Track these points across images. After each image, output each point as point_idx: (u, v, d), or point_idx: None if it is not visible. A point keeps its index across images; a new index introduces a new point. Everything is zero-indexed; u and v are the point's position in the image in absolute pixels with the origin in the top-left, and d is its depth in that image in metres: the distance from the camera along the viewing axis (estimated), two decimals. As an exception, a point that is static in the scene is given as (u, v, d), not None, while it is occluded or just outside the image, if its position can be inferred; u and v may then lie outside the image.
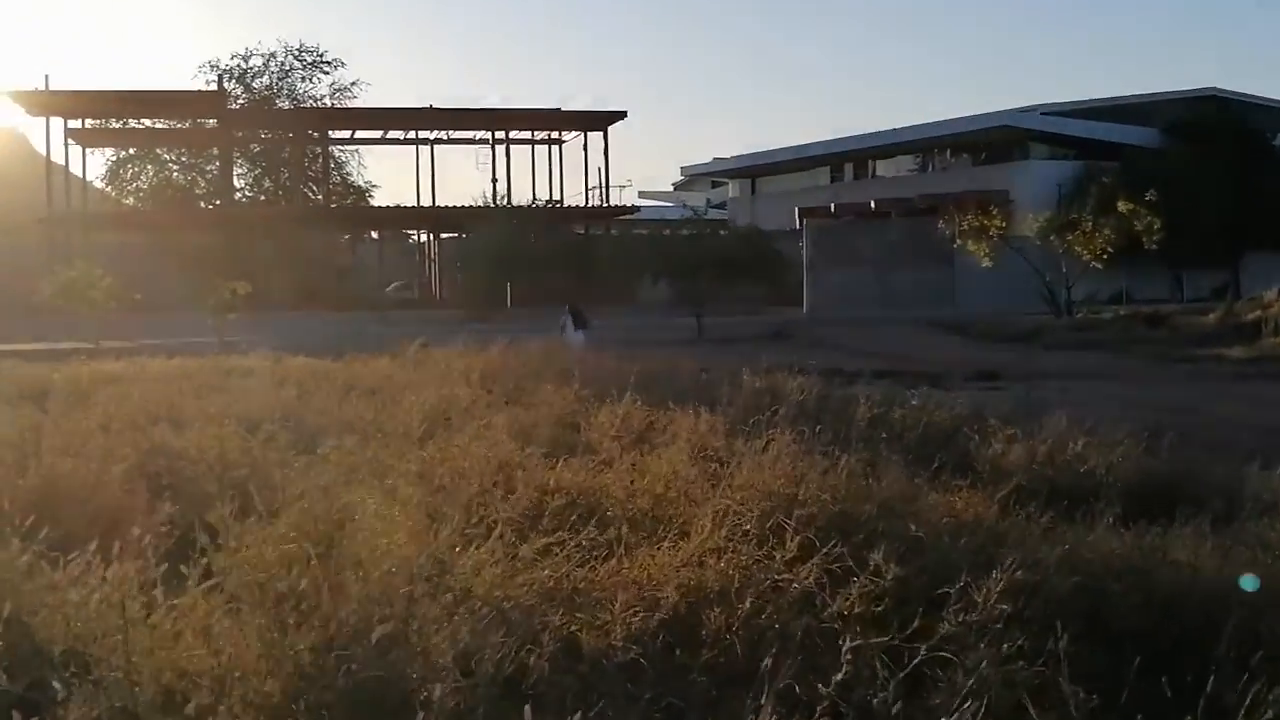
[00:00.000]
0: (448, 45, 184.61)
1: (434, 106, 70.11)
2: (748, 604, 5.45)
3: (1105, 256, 44.34)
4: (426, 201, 71.92)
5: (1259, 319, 35.41)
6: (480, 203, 74.16)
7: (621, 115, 71.60)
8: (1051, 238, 46.03)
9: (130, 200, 78.54)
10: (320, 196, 77.80)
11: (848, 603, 5.32)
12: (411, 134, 74.93)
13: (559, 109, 71.37)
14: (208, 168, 77.77)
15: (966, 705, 4.63)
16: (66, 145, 67.68)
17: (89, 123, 70.34)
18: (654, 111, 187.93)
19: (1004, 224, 48.02)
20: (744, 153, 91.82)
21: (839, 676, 4.58)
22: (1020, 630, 5.19)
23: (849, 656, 4.70)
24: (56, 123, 66.09)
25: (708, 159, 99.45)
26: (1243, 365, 27.46)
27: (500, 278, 57.64)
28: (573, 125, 73.46)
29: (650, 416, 10.72)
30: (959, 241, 48.90)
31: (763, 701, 4.37)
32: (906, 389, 11.53)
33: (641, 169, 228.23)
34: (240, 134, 74.76)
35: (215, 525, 5.27)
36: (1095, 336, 36.17)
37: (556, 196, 73.72)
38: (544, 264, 56.58)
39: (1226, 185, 61.73)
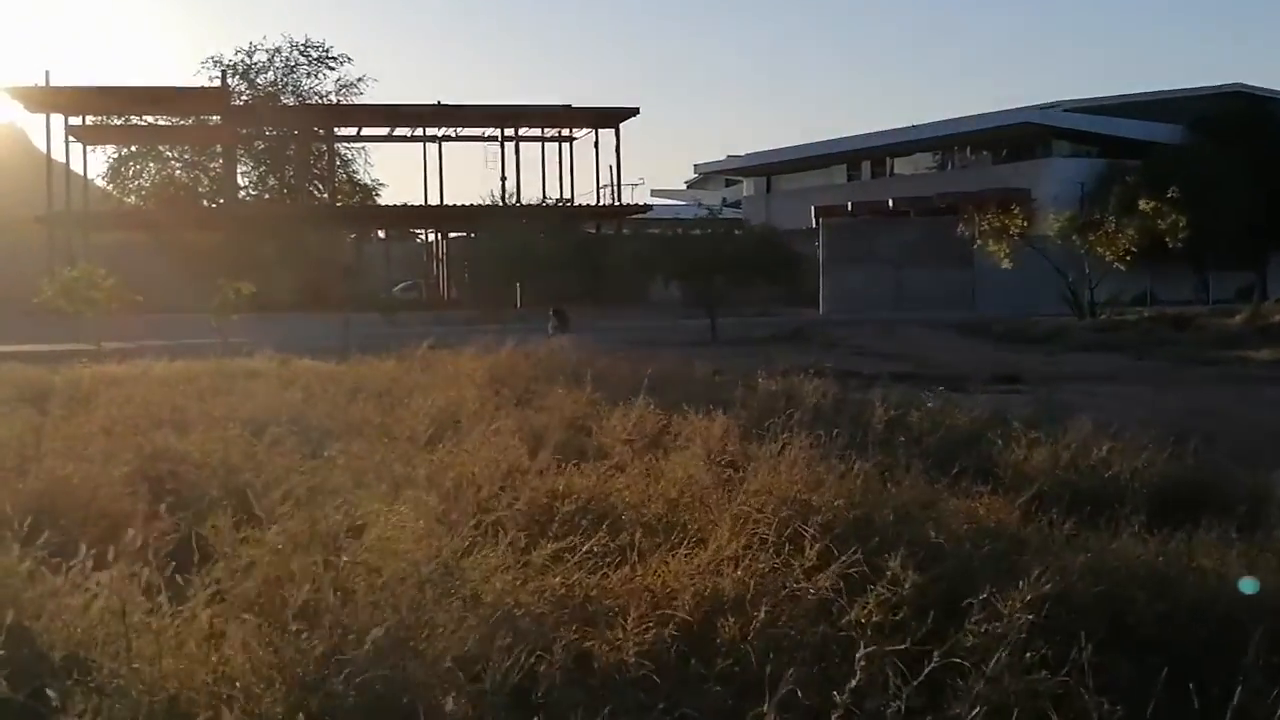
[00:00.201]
0: (456, 41, 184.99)
1: (442, 103, 70.18)
2: (763, 612, 5.45)
3: (1128, 257, 44.25)
4: (434, 200, 71.98)
5: (1286, 321, 35.38)
6: (489, 201, 74.34)
7: (634, 112, 71.65)
8: (1074, 237, 45.92)
9: (132, 199, 78.67)
10: (326, 195, 77.87)
11: (865, 611, 5.31)
12: (419, 131, 74.98)
13: (569, 105, 71.33)
14: (211, 165, 77.88)
15: (987, 716, 4.62)
16: (67, 142, 67.81)
17: (90, 119, 70.45)
18: (667, 108, 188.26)
19: (1025, 223, 47.93)
20: (759, 150, 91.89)
21: (853, 683, 4.57)
22: (1043, 639, 5.17)
23: (863, 663, 4.69)
24: (57, 119, 66.21)
25: (722, 156, 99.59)
26: (1269, 368, 27.36)
27: (509, 278, 57.71)
28: (583, 122, 73.47)
29: (663, 420, 10.71)
30: (979, 241, 48.81)
31: (765, 710, 4.37)
32: (925, 392, 11.50)
33: (654, 167, 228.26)
34: (244, 131, 74.80)
35: (219, 531, 5.28)
36: (1118, 339, 36.08)
37: (567, 195, 73.86)
38: (554, 264, 56.63)
39: (1253, 184, 61.60)
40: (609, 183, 74.27)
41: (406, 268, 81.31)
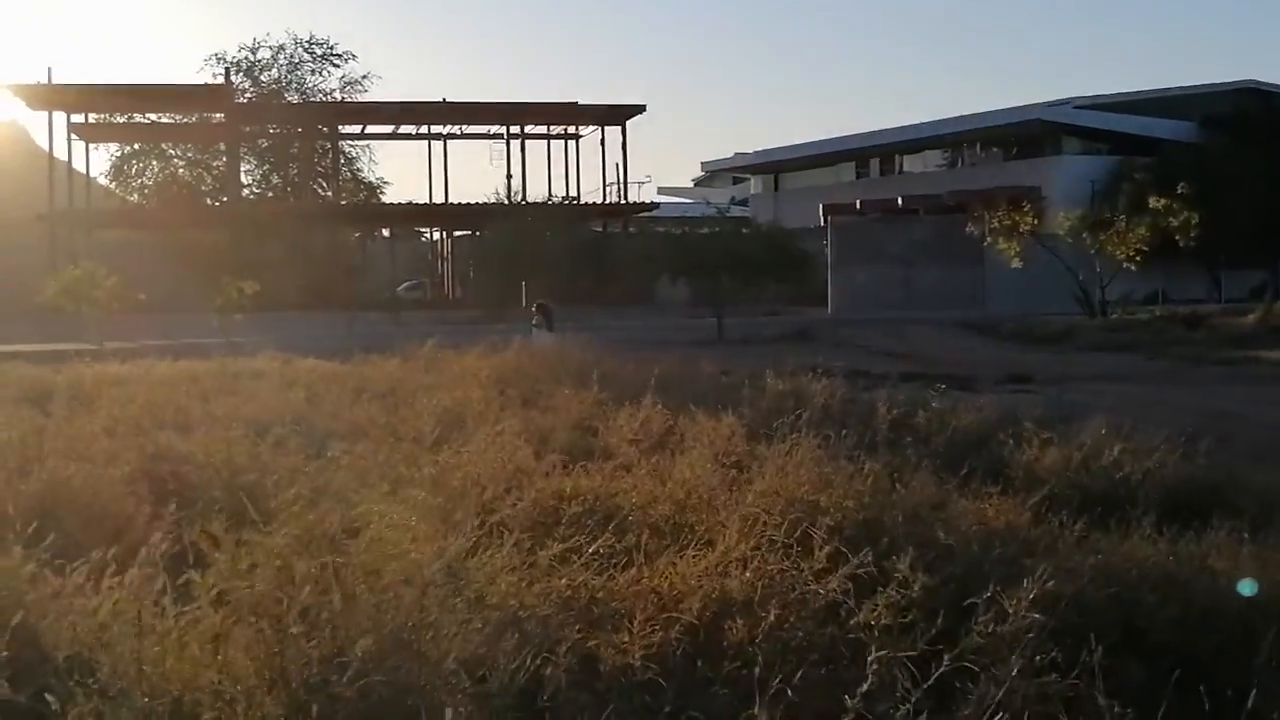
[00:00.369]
0: (461, 38, 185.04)
1: (447, 100, 70.15)
2: (771, 615, 5.45)
3: (1140, 256, 44.22)
4: (439, 198, 71.97)
5: (1300, 320, 35.35)
6: (494, 200, 74.30)
7: (640, 109, 71.60)
8: (1084, 236, 45.91)
9: (135, 197, 78.80)
10: (330, 193, 77.95)
11: (874, 613, 5.31)
12: (424, 129, 75.08)
13: (575, 103, 71.30)
14: (214, 163, 78.01)
15: (997, 718, 4.62)
16: (69, 140, 67.82)
17: (92, 117, 70.51)
18: (674, 105, 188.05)
19: (1036, 221, 47.91)
20: (767, 148, 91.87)
21: (864, 688, 4.57)
22: (1053, 641, 5.17)
23: (874, 666, 4.69)
24: (59, 117, 66.20)
25: (729, 154, 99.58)
26: (1283, 368, 27.34)
27: (515, 277, 57.67)
28: (590, 120, 73.42)
29: (670, 420, 10.72)
30: (989, 239, 48.80)
31: (755, 711, 4.38)
32: (930, 391, 11.51)
33: (661, 165, 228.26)
34: (248, 129, 74.87)
35: (222, 532, 5.28)
36: (1130, 338, 36.07)
37: (573, 193, 73.81)
38: (560, 263, 56.58)
39: (1266, 181, 61.52)
40: (615, 181, 74.23)
41: (411, 267, 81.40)
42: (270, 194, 78.48)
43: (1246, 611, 5.87)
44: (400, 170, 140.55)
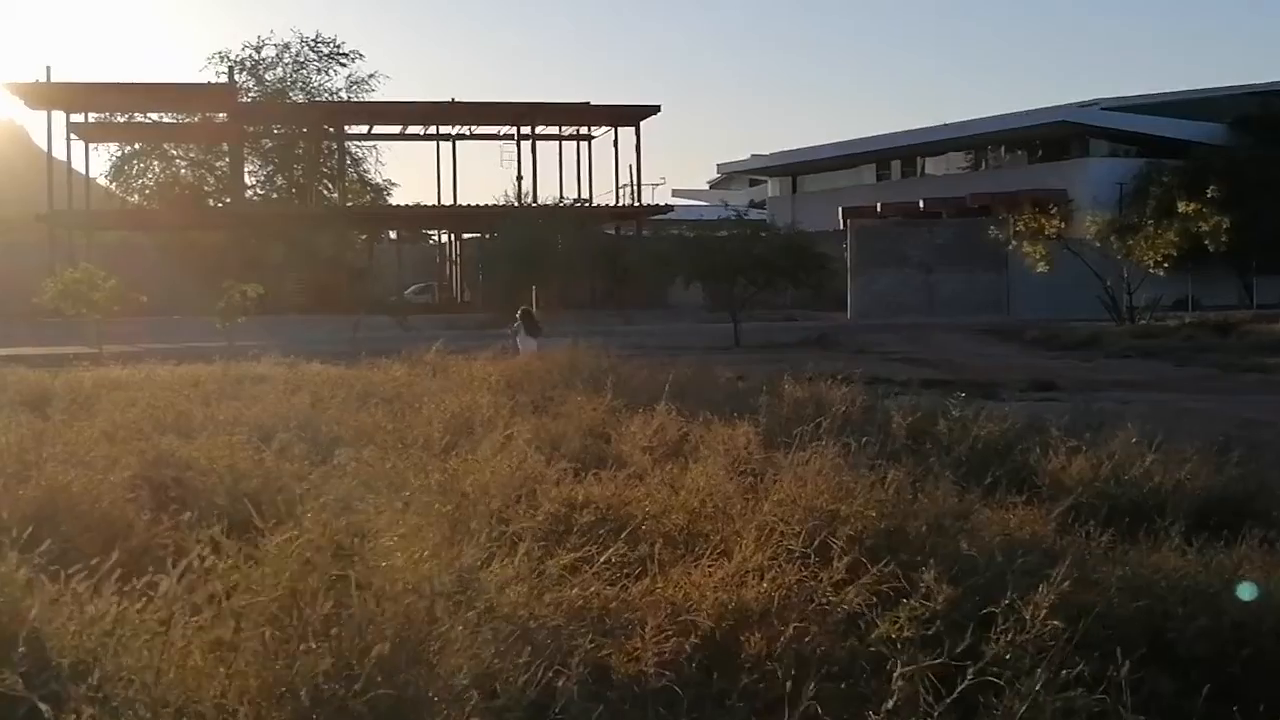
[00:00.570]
0: (470, 36, 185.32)
1: (456, 100, 70.26)
2: (790, 627, 5.44)
3: (1169, 261, 44.16)
4: (447, 200, 72.09)
5: (1333, 327, 35.27)
6: (504, 202, 74.43)
7: (654, 110, 71.62)
8: (1111, 240, 45.85)
9: (135, 198, 79.02)
10: (336, 194, 78.11)
11: (895, 626, 5.30)
12: (432, 129, 75.21)
13: (588, 103, 71.32)
14: (217, 164, 78.23)
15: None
16: (69, 140, 67.99)
17: (92, 117, 70.71)
18: (688, 105, 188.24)
19: (1061, 225, 47.88)
20: (784, 149, 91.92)
21: (889, 704, 4.56)
22: (1079, 655, 5.16)
23: (900, 683, 4.68)
24: (58, 116, 66.40)
25: (746, 156, 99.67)
26: (1316, 376, 27.27)
27: (525, 280, 57.66)
28: (602, 120, 73.47)
29: (684, 427, 10.71)
30: (1013, 243, 48.80)
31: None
32: (950, 399, 11.50)
33: (675, 166, 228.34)
34: (252, 129, 75.09)
35: (225, 539, 5.28)
36: (1158, 344, 36.05)
37: (585, 195, 73.84)
38: (571, 266, 56.70)
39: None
40: (629, 182, 74.26)
41: (419, 270, 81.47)
42: (274, 195, 78.69)
43: (1279, 625, 5.85)
44: (408, 172, 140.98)
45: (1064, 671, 4.96)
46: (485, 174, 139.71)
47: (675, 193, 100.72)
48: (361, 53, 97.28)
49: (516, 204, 71.08)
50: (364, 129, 78.44)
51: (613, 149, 73.55)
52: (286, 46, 78.01)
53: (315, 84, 78.30)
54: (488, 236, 68.13)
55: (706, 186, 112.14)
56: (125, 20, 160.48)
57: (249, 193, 76.58)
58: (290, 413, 11.91)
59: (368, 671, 4.50)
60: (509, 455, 8.74)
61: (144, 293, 36.59)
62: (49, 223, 62.50)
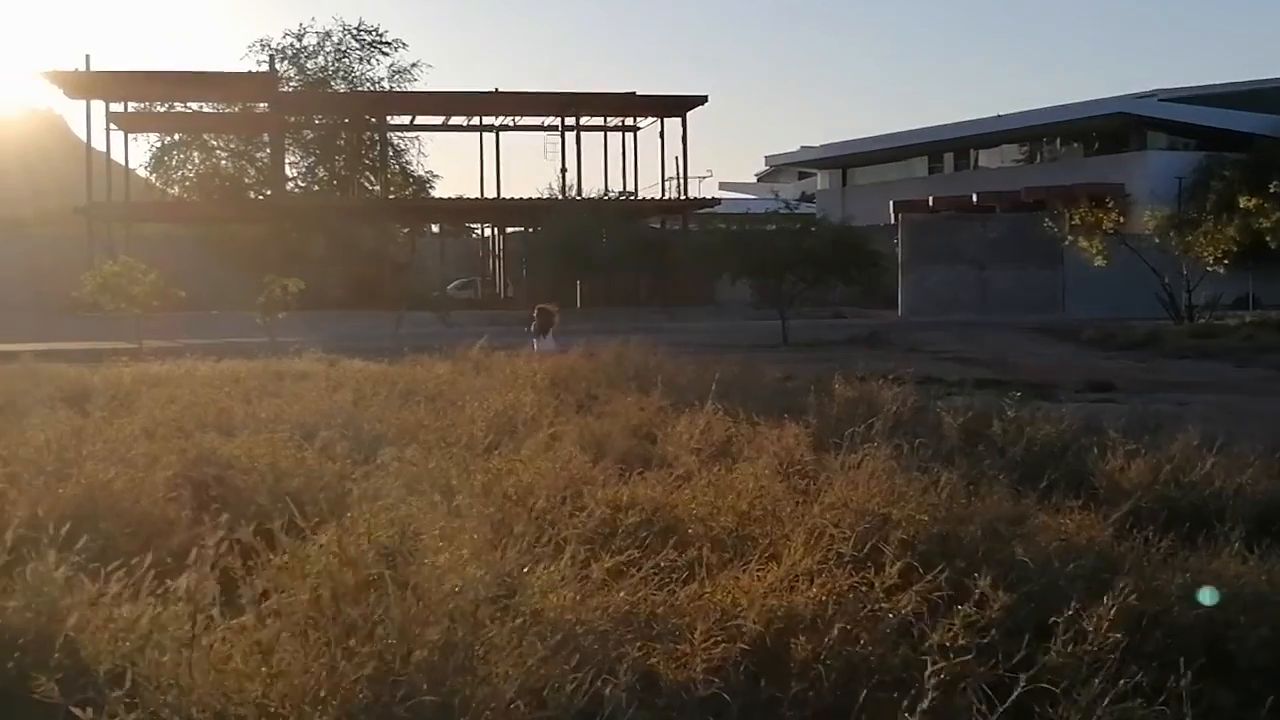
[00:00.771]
0: (514, 26, 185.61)
1: (500, 90, 70.44)
2: (837, 632, 5.44)
3: (1229, 258, 43.83)
4: (491, 193, 72.39)
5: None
6: (548, 194, 74.55)
7: (702, 100, 71.52)
8: (1170, 236, 45.53)
9: (175, 189, 79.52)
10: (378, 187, 78.40)
11: (950, 633, 5.28)
12: (475, 120, 75.42)
13: (633, 93, 71.31)
14: (258, 155, 78.60)
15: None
16: (108, 130, 68.50)
17: (132, 106, 71.21)
18: (736, 96, 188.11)
19: (1119, 219, 47.56)
20: (834, 141, 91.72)
21: (924, 705, 4.55)
22: (1137, 664, 5.13)
23: (934, 689, 4.67)
24: (97, 106, 66.87)
25: (795, 148, 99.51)
26: (1382, 377, 27.03)
27: (569, 275, 57.80)
28: (649, 111, 73.47)
29: (731, 428, 10.70)
30: (1069, 239, 48.49)
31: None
32: (1005, 400, 11.45)
33: (722, 159, 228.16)
34: (293, 119, 75.40)
35: (267, 540, 5.31)
36: (1218, 344, 35.77)
37: (630, 188, 74.04)
38: (616, 261, 56.73)
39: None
40: (675, 175, 74.29)
41: (461, 264, 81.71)
42: (316, 187, 79.01)
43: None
44: (451, 164, 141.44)
45: (1122, 681, 4.94)
46: (529, 166, 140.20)
47: (722, 185, 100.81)
48: (404, 41, 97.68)
49: (561, 197, 71.14)
50: (406, 119, 78.59)
51: (659, 140, 73.62)
52: (328, 35, 78.45)
53: (357, 73, 78.66)
54: (531, 230, 68.25)
55: (754, 179, 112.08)
56: (165, 7, 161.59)
57: (290, 184, 76.87)
58: (332, 410, 11.95)
59: (411, 676, 4.52)
60: (553, 455, 8.76)
61: (184, 287, 36.76)
62: (88, 215, 62.92)
